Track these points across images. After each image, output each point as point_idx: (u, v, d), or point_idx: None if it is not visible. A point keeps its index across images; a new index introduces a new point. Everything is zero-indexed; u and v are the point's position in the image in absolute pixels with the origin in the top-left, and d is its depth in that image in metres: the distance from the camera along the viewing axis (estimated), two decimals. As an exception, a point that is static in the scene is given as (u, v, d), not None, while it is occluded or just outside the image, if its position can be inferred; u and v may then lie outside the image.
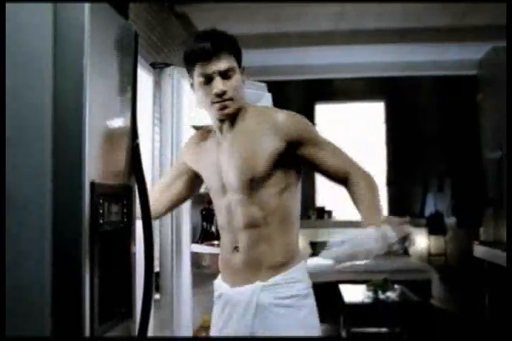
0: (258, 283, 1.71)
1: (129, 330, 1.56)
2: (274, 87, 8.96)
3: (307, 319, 1.72)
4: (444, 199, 8.67)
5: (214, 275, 2.30)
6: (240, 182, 1.71)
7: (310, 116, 9.08)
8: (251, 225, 1.72)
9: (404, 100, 8.83)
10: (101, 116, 1.41)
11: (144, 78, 2.08)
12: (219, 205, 1.81)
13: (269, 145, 1.70)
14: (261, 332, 1.70)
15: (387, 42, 6.32)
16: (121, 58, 1.54)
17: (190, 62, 1.73)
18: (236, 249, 1.75)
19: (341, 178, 1.78)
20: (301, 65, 7.29)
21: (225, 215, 1.77)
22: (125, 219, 1.52)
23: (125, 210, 1.52)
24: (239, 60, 1.76)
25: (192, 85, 1.78)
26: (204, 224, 2.47)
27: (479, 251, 2.72)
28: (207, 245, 2.30)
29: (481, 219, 7.53)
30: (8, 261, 1.27)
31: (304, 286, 1.74)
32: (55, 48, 1.30)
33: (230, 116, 1.75)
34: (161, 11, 4.34)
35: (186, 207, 2.25)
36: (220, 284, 1.83)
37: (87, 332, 1.27)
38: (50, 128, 1.26)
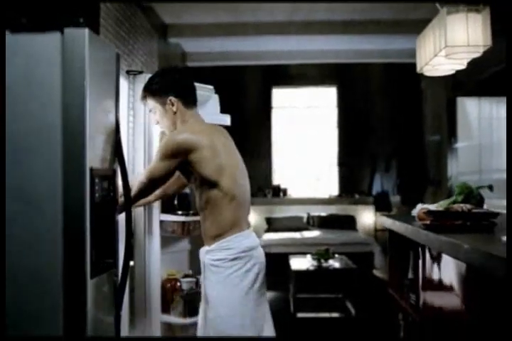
0: (204, 248, 2.41)
1: (113, 276, 2.11)
2: (233, 72, 9.36)
3: (230, 277, 2.32)
4: (390, 179, 9.36)
5: (178, 238, 2.86)
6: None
7: (267, 99, 9.62)
8: (199, 209, 2.43)
9: (354, 86, 9.42)
10: (94, 117, 1.92)
11: (121, 83, 2.57)
12: None
13: None
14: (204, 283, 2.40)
15: (337, 32, 6.80)
16: (106, 72, 2.06)
17: None
18: (199, 223, 2.49)
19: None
20: (258, 51, 7.75)
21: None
22: (111, 193, 2.06)
23: (111, 187, 2.06)
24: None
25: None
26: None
27: (380, 220, 3.34)
28: (172, 214, 2.85)
29: (422, 197, 8.23)
30: (28, 224, 1.81)
31: (232, 252, 2.34)
32: (63, 70, 1.81)
33: None
34: (128, 8, 4.78)
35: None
36: None
37: (88, 274, 1.82)
38: (60, 129, 1.79)
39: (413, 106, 8.80)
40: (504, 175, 5.29)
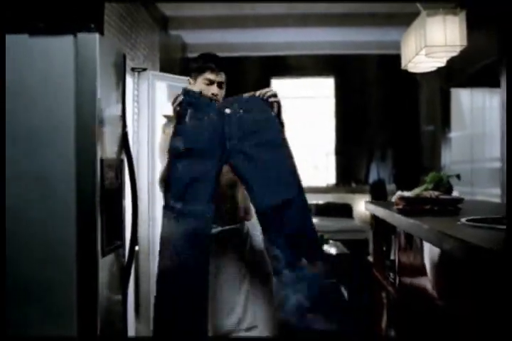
0: (247, 223, 2.63)
1: (120, 257, 2.34)
2: (233, 63, 9.50)
3: None
4: (386, 168, 9.59)
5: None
6: None
7: (266, 90, 9.79)
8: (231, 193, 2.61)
9: (351, 76, 9.62)
10: (104, 112, 2.14)
11: (126, 79, 2.79)
12: None
13: None
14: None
15: (334, 25, 6.98)
16: (114, 71, 2.28)
17: (200, 69, 2.54)
18: None
19: None
20: (257, 43, 7.93)
21: None
22: (119, 181, 2.28)
23: (119, 175, 2.29)
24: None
25: (191, 79, 2.57)
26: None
27: (367, 206, 3.58)
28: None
29: (417, 185, 8.44)
30: (45, 209, 2.03)
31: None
32: (76, 70, 2.03)
33: None
34: (131, 4, 4.97)
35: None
36: None
37: (100, 253, 2.05)
38: (73, 124, 2.01)
39: (409, 96, 9.00)
40: (495, 164, 5.44)
